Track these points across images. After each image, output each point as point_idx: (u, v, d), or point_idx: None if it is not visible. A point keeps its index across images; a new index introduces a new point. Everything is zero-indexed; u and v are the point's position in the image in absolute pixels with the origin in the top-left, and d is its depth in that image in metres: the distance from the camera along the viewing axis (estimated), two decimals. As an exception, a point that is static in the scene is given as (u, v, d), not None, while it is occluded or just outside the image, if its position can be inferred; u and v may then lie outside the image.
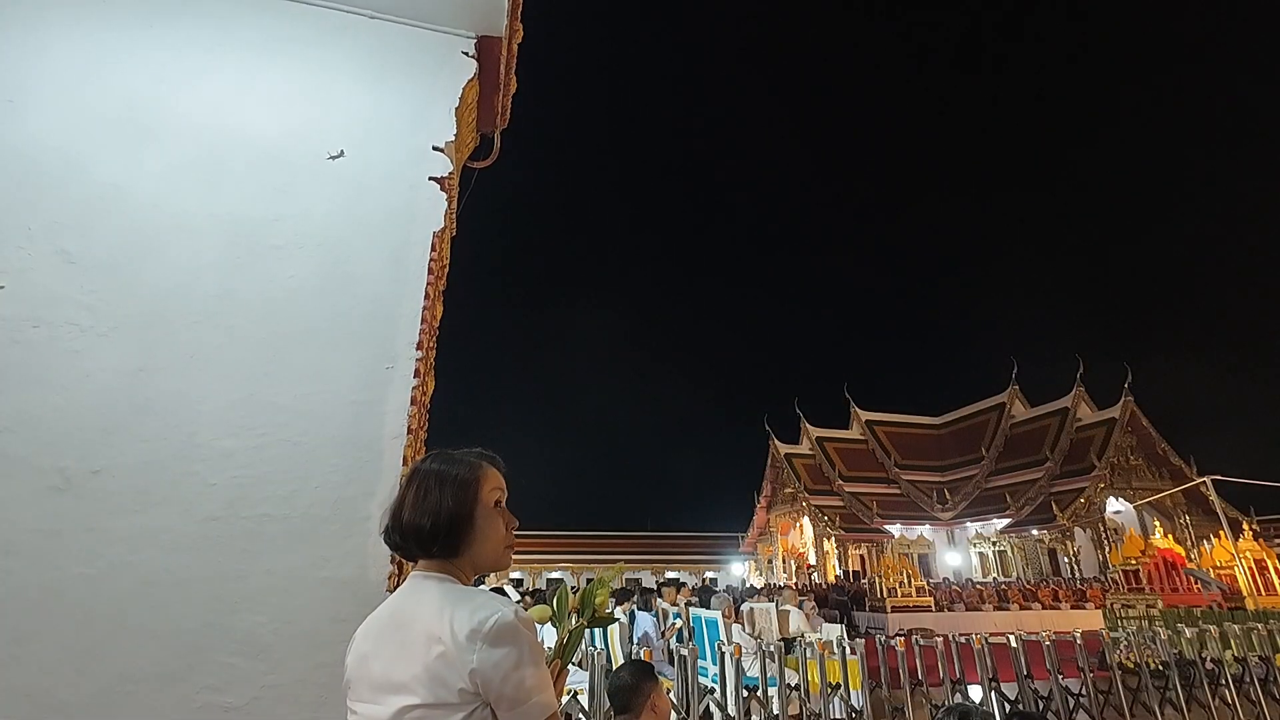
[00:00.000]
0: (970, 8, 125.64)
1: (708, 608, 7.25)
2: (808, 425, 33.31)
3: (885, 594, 17.25)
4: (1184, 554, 15.03)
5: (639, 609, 7.57)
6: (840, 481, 30.24)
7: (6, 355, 1.81)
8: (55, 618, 1.63)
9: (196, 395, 1.91)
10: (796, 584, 24.67)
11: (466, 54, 2.69)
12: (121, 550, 1.72)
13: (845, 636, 6.51)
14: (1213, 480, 17.02)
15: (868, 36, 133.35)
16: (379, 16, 2.62)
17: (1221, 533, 14.45)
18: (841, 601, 17.98)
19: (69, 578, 1.66)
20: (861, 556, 27.98)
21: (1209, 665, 7.21)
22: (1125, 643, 8.82)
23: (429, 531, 1.07)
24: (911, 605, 17.08)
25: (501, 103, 2.99)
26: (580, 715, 4.55)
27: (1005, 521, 26.56)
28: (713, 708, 5.58)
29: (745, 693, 5.47)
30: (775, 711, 5.50)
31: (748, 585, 28.12)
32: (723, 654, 5.80)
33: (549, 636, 1.58)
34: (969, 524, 28.58)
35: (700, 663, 5.71)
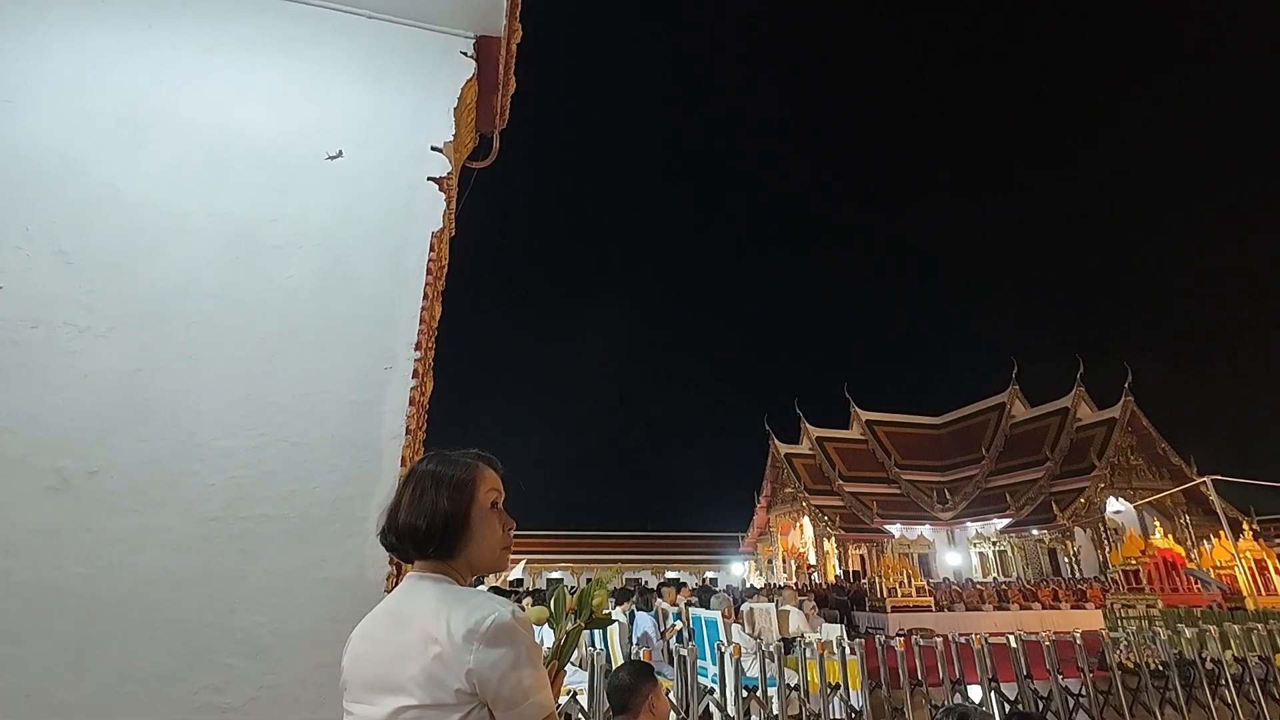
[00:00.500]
0: (970, 7, 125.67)
1: (707, 608, 7.25)
2: (808, 425, 33.31)
3: (885, 594, 17.24)
4: (1184, 554, 15.03)
5: (639, 609, 7.57)
6: (840, 481, 30.23)
7: (4, 355, 1.81)
8: (54, 618, 1.63)
9: (195, 395, 1.91)
10: (796, 584, 24.67)
11: (465, 54, 2.69)
12: (120, 550, 1.72)
13: (845, 636, 6.51)
14: (1213, 480, 17.01)
15: (868, 35, 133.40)
16: (377, 16, 2.62)
17: (1221, 533, 14.45)
18: (841, 601, 17.97)
19: (67, 578, 1.66)
20: (861, 556, 27.98)
21: (1209, 665, 7.20)
22: (1125, 643, 8.82)
23: (425, 533, 1.07)
24: (911, 605, 17.07)
25: (501, 103, 2.99)
26: (579, 715, 4.54)
27: (1005, 521, 26.55)
28: (712, 708, 5.58)
29: (745, 693, 5.47)
30: (775, 712, 5.49)
31: (748, 585, 28.13)
32: (722, 654, 5.79)
33: (547, 637, 1.58)
34: (969, 524, 28.58)
35: (700, 663, 5.71)
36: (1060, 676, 6.36)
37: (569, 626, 1.29)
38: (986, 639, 6.50)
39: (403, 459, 1.98)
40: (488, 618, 0.97)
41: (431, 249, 2.30)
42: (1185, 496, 23.74)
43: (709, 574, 36.07)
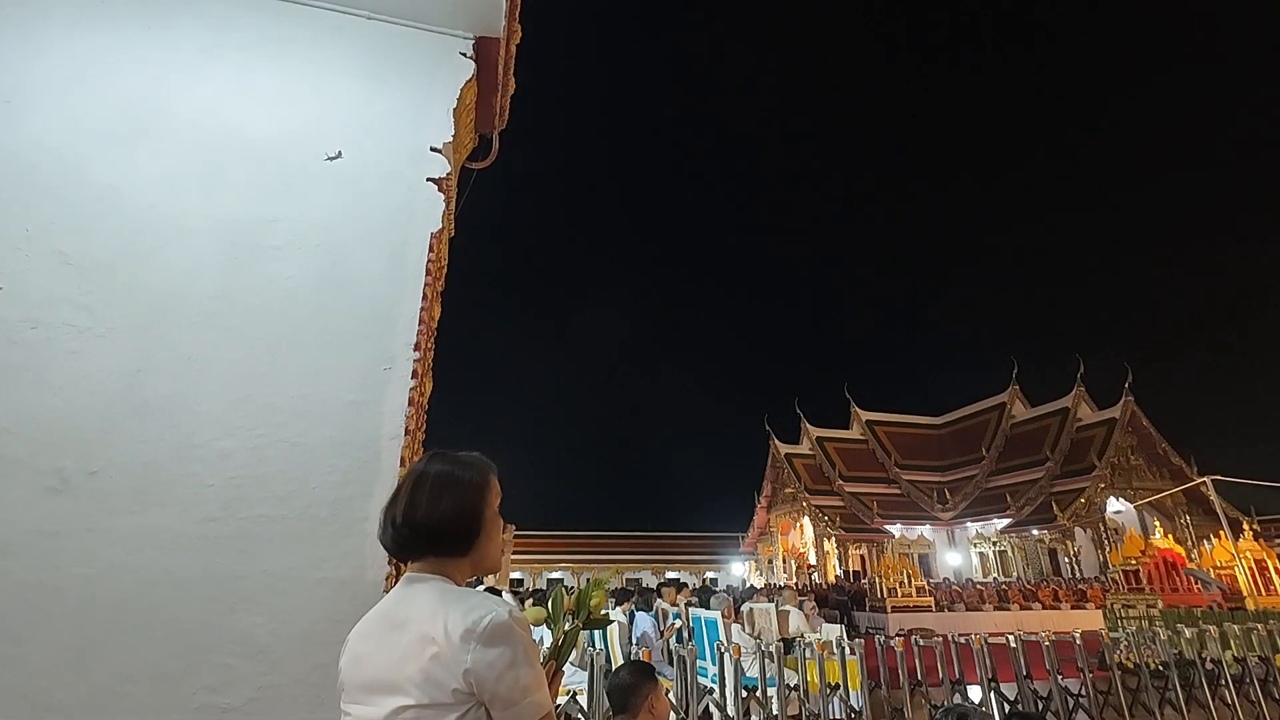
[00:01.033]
0: (969, 4, 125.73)
1: (707, 608, 7.26)
2: (808, 425, 33.30)
3: (885, 594, 17.24)
4: (1184, 554, 15.00)
5: (638, 609, 7.58)
6: (840, 481, 30.22)
7: (4, 356, 1.81)
8: (53, 618, 1.63)
9: (194, 396, 1.91)
10: (797, 584, 24.67)
11: (464, 55, 2.69)
12: (119, 551, 1.72)
13: (845, 636, 6.51)
14: (1213, 480, 17.00)
15: (867, 32, 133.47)
16: (376, 17, 2.62)
17: (1222, 533, 14.43)
18: (842, 601, 17.97)
19: (67, 578, 1.67)
20: (862, 556, 27.97)
21: (1209, 665, 7.20)
22: (1125, 643, 8.82)
23: (447, 530, 1.08)
24: (912, 605, 17.06)
25: (500, 103, 3.00)
26: (579, 715, 4.55)
27: (1005, 521, 26.54)
28: (712, 708, 5.58)
29: (744, 693, 5.47)
30: (774, 712, 5.49)
31: (748, 585, 28.12)
32: (722, 654, 5.79)
33: (545, 638, 1.58)
34: (969, 524, 28.57)
35: (700, 663, 5.71)
36: (1060, 677, 6.35)
37: (567, 627, 1.29)
38: (986, 639, 6.50)
39: (402, 459, 1.99)
40: (485, 617, 0.97)
41: (431, 250, 2.31)
42: (1185, 496, 23.73)
43: (709, 574, 36.07)
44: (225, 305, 2.04)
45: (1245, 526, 14.60)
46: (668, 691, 5.48)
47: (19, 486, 1.71)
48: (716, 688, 5.75)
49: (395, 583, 1.80)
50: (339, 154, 2.35)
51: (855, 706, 5.84)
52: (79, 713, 1.58)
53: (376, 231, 2.27)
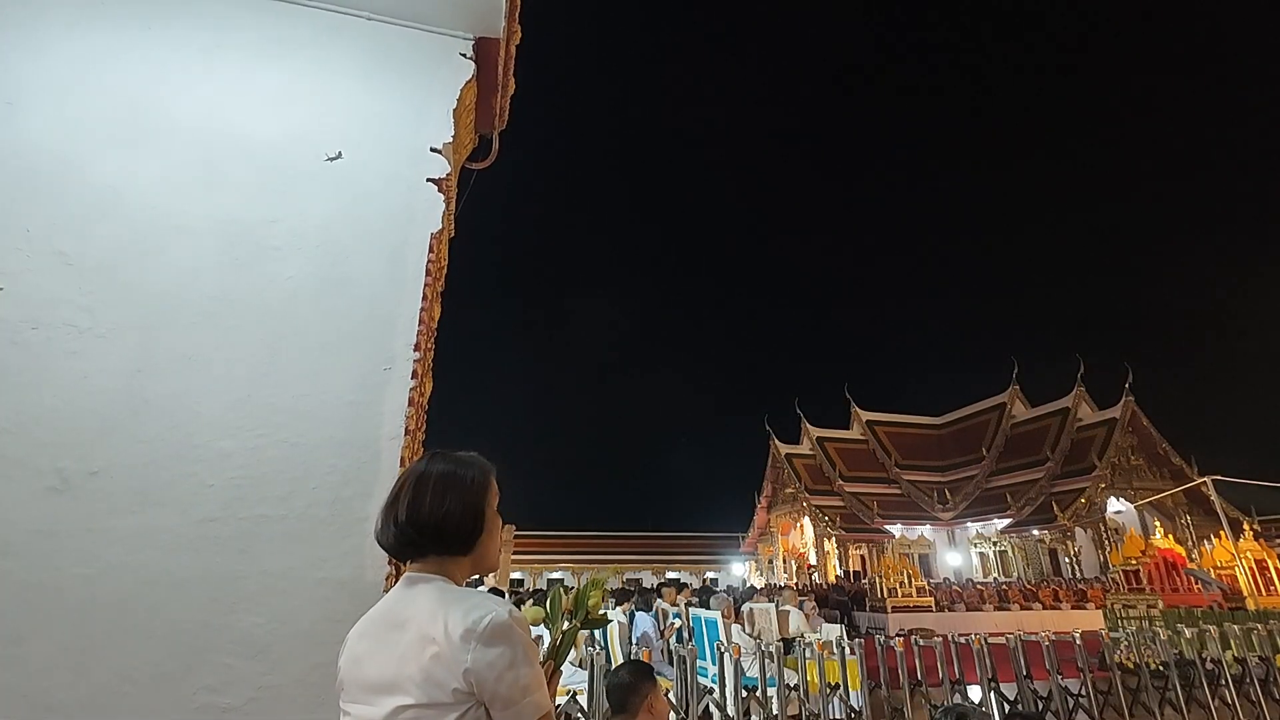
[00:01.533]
0: (970, 5, 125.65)
1: (707, 608, 7.26)
2: (808, 425, 33.28)
3: (885, 594, 17.23)
4: (1185, 554, 14.99)
5: (638, 609, 7.58)
6: (841, 481, 30.21)
7: (4, 356, 1.81)
8: (53, 618, 1.63)
9: (194, 396, 1.91)
10: (797, 584, 24.66)
11: (464, 55, 2.69)
12: (119, 551, 1.72)
13: (845, 637, 6.51)
14: (1213, 480, 16.99)
15: (868, 32, 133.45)
16: (376, 18, 2.63)
17: (1222, 533, 14.42)
18: (842, 602, 17.96)
19: (67, 578, 1.67)
20: (862, 556, 27.96)
21: (1209, 665, 7.20)
22: (1125, 643, 8.81)
23: (451, 529, 1.09)
24: (912, 605, 17.05)
25: (500, 104, 3.00)
26: (579, 715, 4.55)
27: (1006, 521, 26.52)
28: (712, 708, 5.58)
29: (744, 693, 5.48)
30: (774, 712, 5.49)
31: (748, 585, 28.11)
32: (722, 654, 5.80)
33: (544, 638, 1.58)
34: (969, 524, 28.55)
35: (700, 663, 5.71)
36: (1060, 676, 6.35)
37: (565, 626, 1.29)
38: (986, 639, 6.50)
39: (401, 460, 1.99)
40: (485, 617, 0.97)
41: (431, 250, 2.31)
42: (1186, 497, 23.70)
43: (709, 574, 36.07)
44: (225, 306, 2.04)
45: (1245, 526, 14.59)
46: (667, 691, 5.48)
47: (19, 486, 1.71)
48: (716, 688, 5.75)
49: (395, 583, 1.81)
50: (339, 154, 2.35)
51: (855, 706, 5.84)
52: (79, 713, 1.58)
53: (376, 232, 2.27)
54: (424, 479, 1.12)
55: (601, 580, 1.33)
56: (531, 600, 7.14)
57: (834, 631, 7.22)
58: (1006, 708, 5.98)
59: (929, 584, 19.13)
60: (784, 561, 31.65)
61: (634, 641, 6.91)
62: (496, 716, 0.96)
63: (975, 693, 6.61)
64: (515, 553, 30.85)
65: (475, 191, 3.10)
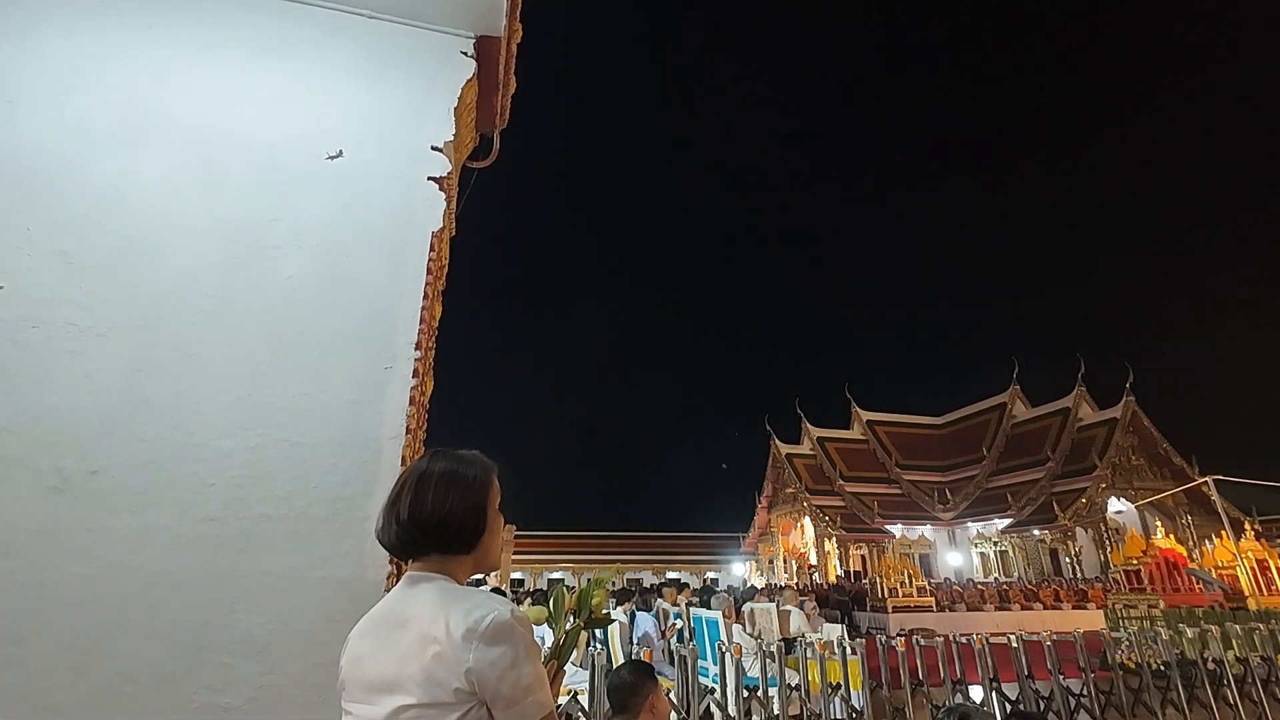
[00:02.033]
0: (971, 6, 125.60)
1: (708, 608, 7.25)
2: (808, 425, 33.28)
3: (886, 594, 17.22)
4: (1186, 554, 14.97)
5: (639, 609, 7.57)
6: (841, 481, 30.20)
7: (5, 356, 1.81)
8: (53, 618, 1.63)
9: (195, 396, 1.91)
10: (798, 584, 24.64)
11: (465, 54, 2.69)
12: (119, 550, 1.72)
13: (846, 636, 6.50)
14: (1214, 480, 16.97)
15: (868, 33, 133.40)
16: (377, 16, 2.62)
17: (1223, 533, 14.41)
18: (842, 602, 17.94)
19: (67, 578, 1.67)
20: (863, 556, 27.95)
21: (1210, 665, 7.19)
22: (1127, 643, 8.80)
23: (454, 528, 1.08)
24: (913, 605, 17.04)
25: (501, 103, 2.99)
26: (580, 715, 4.54)
27: (1006, 521, 26.51)
28: (713, 708, 5.58)
29: (745, 693, 5.47)
30: (775, 711, 5.49)
31: (749, 585, 28.11)
32: (723, 654, 5.79)
33: (546, 637, 1.58)
34: (970, 524, 28.54)
35: (700, 663, 5.71)
36: (1062, 676, 6.35)
37: (568, 626, 1.29)
38: (987, 639, 6.50)
39: (402, 459, 1.98)
40: (487, 616, 0.97)
41: (432, 249, 2.30)
42: (1187, 496, 23.68)
43: (710, 574, 36.07)
44: (226, 305, 2.03)
45: (1247, 526, 14.59)
46: (669, 691, 5.48)
47: (19, 486, 1.71)
48: (717, 687, 5.75)
49: (396, 582, 1.80)
50: (340, 153, 2.34)
51: (856, 706, 5.84)
52: (79, 712, 1.58)
53: (377, 230, 2.27)
54: (426, 477, 1.11)
55: (605, 579, 1.32)
56: (530, 600, 7.15)
57: (835, 631, 7.21)
58: (1008, 707, 5.98)
59: (930, 584, 19.12)
60: (784, 561, 31.64)
61: (635, 641, 6.90)
62: (499, 716, 0.96)
63: (977, 692, 6.60)
64: (516, 553, 30.87)
65: (477, 190, 3.10)
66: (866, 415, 34.24)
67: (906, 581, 17.60)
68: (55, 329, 1.87)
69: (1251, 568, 12.76)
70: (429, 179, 2.40)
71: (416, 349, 2.14)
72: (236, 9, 2.49)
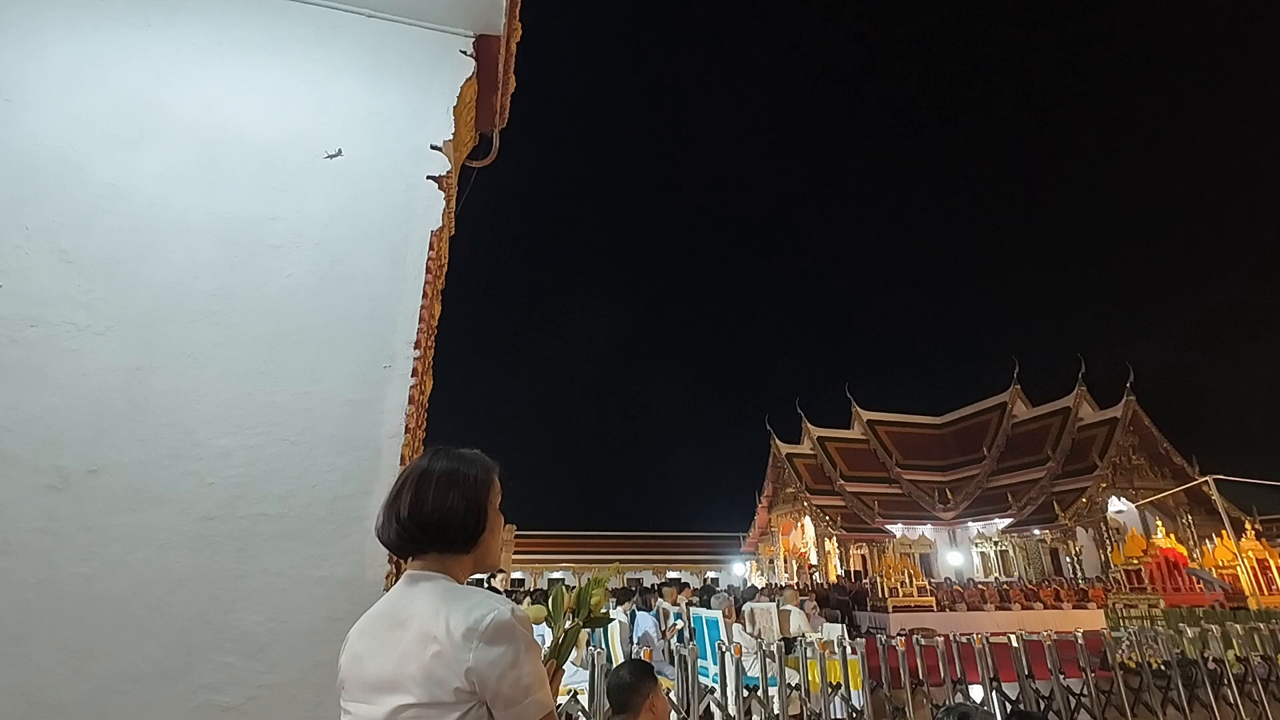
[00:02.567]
0: (973, 11, 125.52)
1: (709, 608, 7.25)
2: (809, 425, 33.26)
3: (887, 594, 17.22)
4: (1186, 554, 14.96)
5: (639, 609, 7.57)
6: (842, 481, 30.18)
7: (4, 354, 1.81)
8: (52, 616, 1.63)
9: (194, 394, 1.91)
10: (798, 584, 24.64)
11: (465, 53, 2.69)
12: (118, 549, 1.71)
13: (846, 636, 6.50)
14: (1215, 480, 16.96)
15: (868, 35, 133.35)
16: (377, 15, 2.62)
17: (1224, 532, 14.41)
18: (843, 601, 17.94)
19: (66, 576, 1.66)
20: (863, 556, 27.94)
21: (1211, 665, 7.18)
22: (1127, 642, 8.79)
23: (454, 526, 1.08)
24: (913, 605, 17.04)
25: (500, 102, 2.99)
26: (580, 714, 4.54)
27: (1007, 521, 26.49)
28: (713, 707, 5.57)
29: (745, 692, 5.47)
30: (775, 711, 5.49)
31: (749, 585, 28.12)
32: (723, 653, 5.79)
33: (546, 636, 1.58)
34: (971, 524, 28.53)
35: (700, 662, 5.70)
36: (1062, 676, 6.34)
37: (567, 625, 1.29)
38: (988, 639, 6.49)
39: (402, 457, 1.98)
40: (487, 615, 0.96)
41: (431, 247, 2.30)
42: (1187, 496, 23.66)
43: (710, 574, 36.07)
44: (225, 303, 2.03)
45: (1247, 526, 14.60)
46: (669, 691, 5.48)
47: (18, 484, 1.71)
48: (718, 687, 5.75)
49: (395, 581, 1.80)
50: (339, 152, 2.34)
51: (856, 706, 5.84)
52: (78, 711, 1.57)
53: (376, 229, 2.27)
54: (427, 475, 1.11)
55: (604, 579, 1.32)
56: (530, 599, 7.16)
57: (835, 631, 7.20)
58: (1008, 707, 5.97)
59: (930, 584, 19.12)
60: (785, 561, 31.64)
61: (635, 641, 6.90)
62: (499, 715, 0.95)
63: (977, 692, 6.60)
64: (516, 552, 30.91)
65: (476, 188, 3.09)
66: (867, 415, 34.23)
67: (907, 581, 17.60)
68: (54, 327, 1.86)
69: (1252, 567, 12.77)
70: (428, 178, 2.40)
71: (416, 348, 2.13)
72: (235, 8, 2.49)
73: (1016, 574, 25.78)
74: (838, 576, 25.48)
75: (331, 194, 2.27)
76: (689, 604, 8.21)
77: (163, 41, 2.35)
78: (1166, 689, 6.91)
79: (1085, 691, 6.35)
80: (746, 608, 7.99)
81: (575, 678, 5.20)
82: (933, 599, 17.65)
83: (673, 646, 6.15)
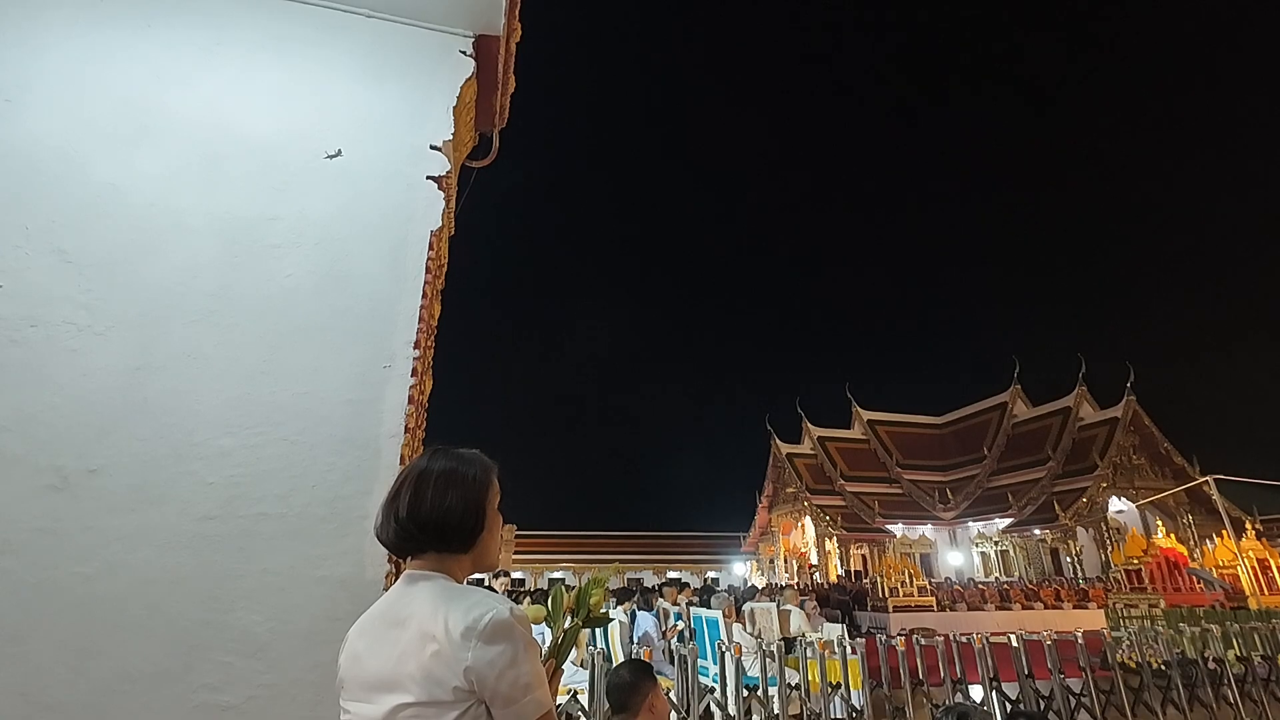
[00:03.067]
0: (973, 13, 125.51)
1: (709, 608, 7.25)
2: (809, 425, 33.27)
3: (887, 594, 17.22)
4: (1187, 554, 14.96)
5: (640, 608, 7.57)
6: (842, 481, 30.19)
7: (4, 354, 1.81)
8: (52, 616, 1.63)
9: (193, 394, 1.91)
10: (798, 584, 24.64)
11: (464, 53, 2.69)
12: (118, 549, 1.72)
13: (846, 636, 6.50)
14: (1215, 480, 16.96)
15: (868, 37, 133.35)
16: (376, 15, 2.62)
17: (1224, 532, 14.41)
18: (843, 601, 17.95)
19: (66, 576, 1.67)
20: (863, 556, 27.94)
21: (1211, 665, 7.18)
22: (1127, 642, 8.79)
23: (453, 526, 1.08)
24: (913, 605, 17.05)
25: (500, 102, 2.99)
26: (580, 714, 4.54)
27: (1007, 521, 26.50)
28: (713, 707, 5.58)
29: (745, 692, 5.47)
30: (776, 711, 5.49)
31: (749, 585, 28.11)
32: (723, 653, 5.79)
33: (545, 636, 1.58)
34: (971, 523, 28.52)
35: (701, 662, 5.71)
36: (1062, 676, 6.34)
37: (567, 625, 1.29)
38: (988, 638, 6.49)
39: (401, 457, 1.98)
40: (486, 615, 0.96)
41: (431, 247, 2.30)
42: (1188, 496, 23.66)
43: (710, 574, 36.06)
44: (225, 303, 2.03)
45: (1248, 526, 14.60)
46: (669, 691, 5.48)
47: (19, 484, 1.71)
48: (718, 687, 5.75)
49: (395, 580, 1.80)
50: (339, 152, 2.34)
51: (856, 705, 5.84)
52: (78, 711, 1.57)
53: (376, 229, 2.27)
54: (425, 475, 1.11)
55: (603, 579, 1.32)
56: (530, 599, 7.16)
57: (835, 631, 7.20)
58: (1008, 707, 5.97)
59: (930, 583, 19.12)
60: (785, 561, 31.64)
61: (635, 641, 6.90)
62: (497, 714, 0.95)
63: (977, 692, 6.60)
64: (517, 552, 30.86)
65: (475, 188, 3.09)
66: (867, 415, 34.23)
67: (907, 581, 17.60)
68: (54, 327, 1.87)
69: (1252, 567, 12.77)
70: (428, 178, 2.40)
71: (415, 348, 2.14)
72: (235, 8, 2.49)
73: (1017, 574, 25.77)
74: (838, 576, 25.49)
75: (331, 194, 2.28)
76: (689, 604, 8.21)
77: (163, 42, 2.35)
78: (1166, 689, 6.91)
79: (1085, 691, 6.35)
80: (746, 608, 7.99)
81: (575, 677, 5.21)
82: (933, 599, 17.65)
83: (673, 646, 6.15)
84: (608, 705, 2.19)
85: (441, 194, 2.40)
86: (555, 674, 1.21)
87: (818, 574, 27.39)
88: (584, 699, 4.73)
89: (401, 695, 0.96)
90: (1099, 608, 15.74)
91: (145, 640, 1.66)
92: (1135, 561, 14.37)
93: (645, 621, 7.07)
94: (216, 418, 1.90)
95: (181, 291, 2.01)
